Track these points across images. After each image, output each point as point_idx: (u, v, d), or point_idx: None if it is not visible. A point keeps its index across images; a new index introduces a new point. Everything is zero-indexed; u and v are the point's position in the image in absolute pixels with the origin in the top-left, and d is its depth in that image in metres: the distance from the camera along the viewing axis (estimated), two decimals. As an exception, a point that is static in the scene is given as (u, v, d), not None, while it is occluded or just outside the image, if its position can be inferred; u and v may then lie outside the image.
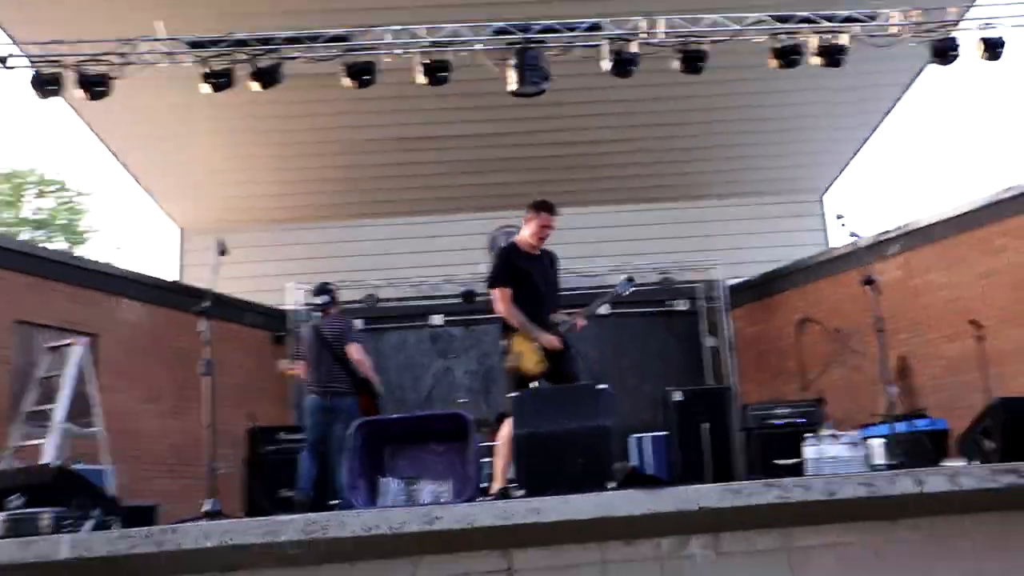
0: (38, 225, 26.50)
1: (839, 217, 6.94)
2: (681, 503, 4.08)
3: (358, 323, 13.71)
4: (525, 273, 6.44)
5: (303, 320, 13.98)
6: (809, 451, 5.87)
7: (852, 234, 6.93)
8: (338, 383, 8.57)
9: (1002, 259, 10.44)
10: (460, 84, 10.31)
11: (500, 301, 6.46)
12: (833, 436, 5.84)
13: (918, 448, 7.86)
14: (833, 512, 4.22)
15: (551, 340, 6.27)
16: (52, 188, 27.04)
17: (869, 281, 6.63)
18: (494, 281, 6.55)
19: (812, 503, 4.14)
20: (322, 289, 9.02)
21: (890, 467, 6.30)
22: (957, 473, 4.26)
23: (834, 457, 5.68)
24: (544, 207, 6.53)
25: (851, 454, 5.60)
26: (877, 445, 6.45)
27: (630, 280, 6.62)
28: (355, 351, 8.59)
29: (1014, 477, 4.26)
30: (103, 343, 10.96)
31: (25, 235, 24.69)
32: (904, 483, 4.20)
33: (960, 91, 42.48)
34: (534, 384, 6.17)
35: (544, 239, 6.53)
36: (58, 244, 25.19)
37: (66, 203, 27.29)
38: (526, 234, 6.54)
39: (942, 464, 7.01)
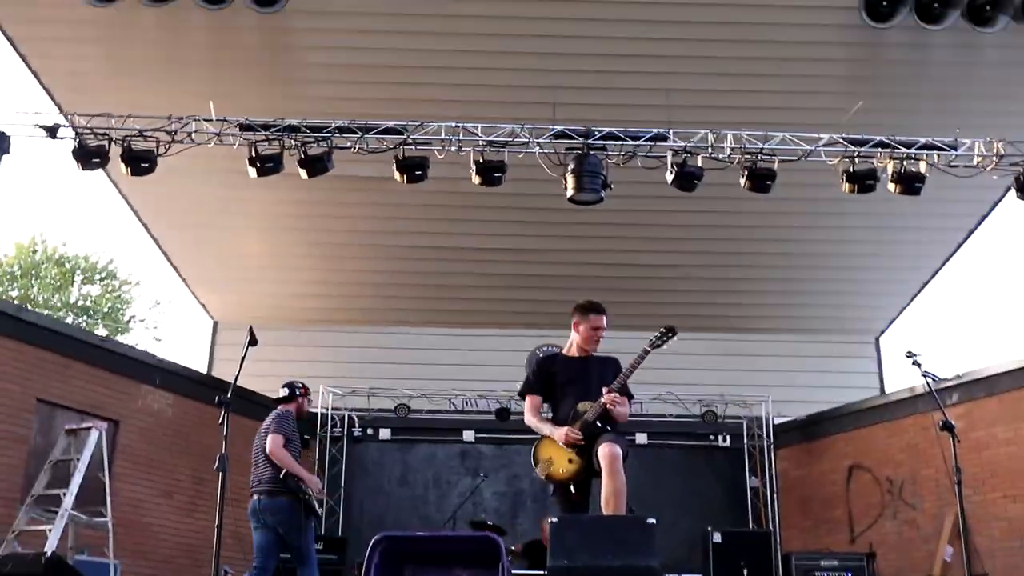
0: (83, 311, 26.64)
1: (910, 355, 6.46)
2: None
3: (385, 433, 13.46)
4: (561, 380, 5.98)
5: (335, 424, 13.81)
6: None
7: (926, 374, 6.44)
8: (265, 482, 7.54)
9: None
10: (509, 197, 10.23)
11: (526, 411, 6.12)
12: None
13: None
14: None
15: (560, 434, 5.73)
16: (100, 276, 27.25)
17: (948, 427, 6.12)
18: (521, 389, 6.19)
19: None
20: (287, 384, 8.12)
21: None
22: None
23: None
24: (592, 308, 6.12)
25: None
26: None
27: (667, 332, 5.86)
28: (271, 442, 7.48)
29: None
30: (123, 429, 10.79)
31: (69, 321, 24.74)
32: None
33: None
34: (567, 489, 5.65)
35: (597, 342, 6.09)
36: (100, 332, 25.21)
37: (112, 291, 27.48)
38: (576, 339, 6.15)
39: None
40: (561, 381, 5.97)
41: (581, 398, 5.80)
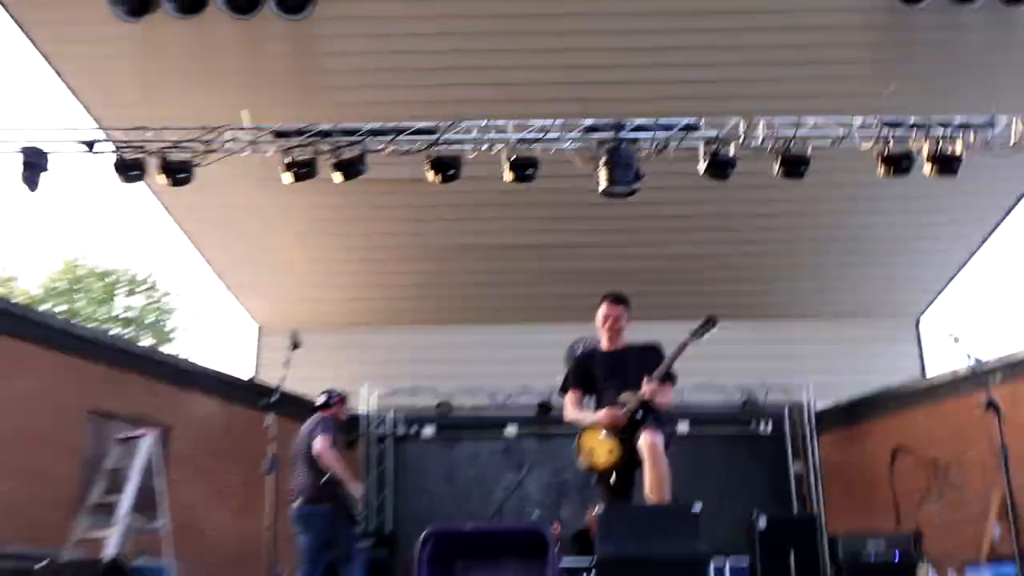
0: (127, 323, 26.95)
1: (953, 336, 6.46)
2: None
3: (428, 431, 13.56)
4: (597, 374, 6.10)
5: (376, 424, 13.91)
6: (926, 592, 5.29)
7: (969, 354, 6.43)
8: (308, 488, 7.85)
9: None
10: (542, 193, 10.25)
11: (566, 405, 6.23)
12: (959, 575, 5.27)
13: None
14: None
15: (601, 415, 5.82)
16: (143, 287, 27.57)
17: (992, 404, 6.10)
18: (561, 386, 6.34)
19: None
20: (325, 392, 8.52)
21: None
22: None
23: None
24: (602, 299, 6.20)
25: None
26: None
27: (709, 323, 5.87)
28: (320, 443, 7.76)
29: None
30: (173, 436, 10.89)
31: (114, 332, 25.04)
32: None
33: None
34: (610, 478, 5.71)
35: (614, 330, 6.12)
36: (144, 343, 25.51)
37: (155, 302, 27.78)
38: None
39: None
40: (600, 376, 6.03)
41: (621, 390, 5.85)
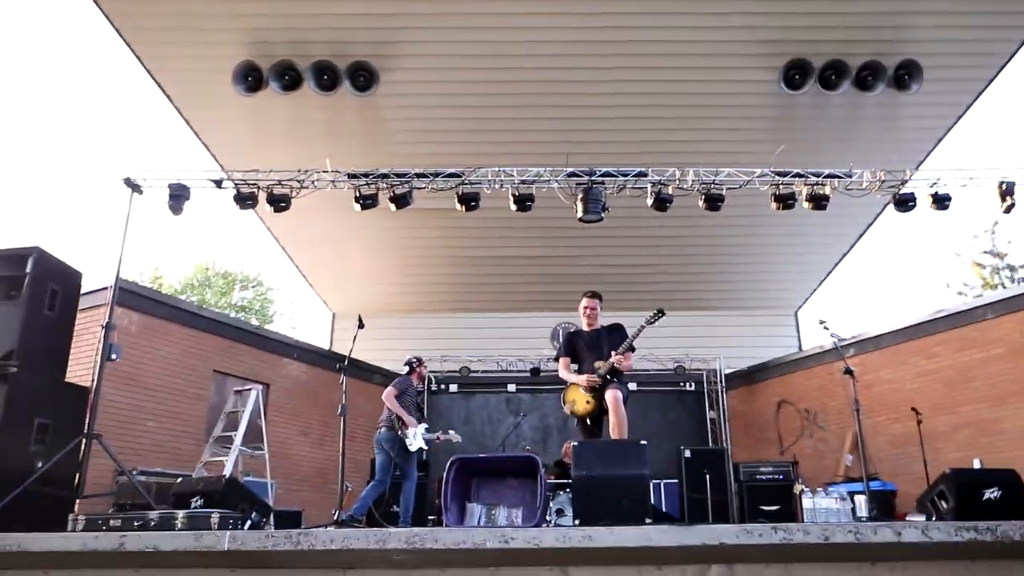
0: (240, 309, 26.87)
1: (822, 322, 6.43)
2: (705, 539, 3.60)
3: (453, 388, 13.53)
4: (581, 347, 6.10)
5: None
6: (807, 503, 5.27)
7: (833, 335, 6.41)
8: (383, 421, 7.82)
9: (936, 362, 9.91)
10: (535, 219, 10.19)
11: (560, 368, 6.20)
12: (825, 491, 5.24)
13: (885, 504, 7.22)
14: (826, 553, 3.68)
15: (580, 378, 5.83)
16: (252, 284, 27.49)
17: (849, 371, 6.08)
18: (556, 355, 6.38)
19: (810, 545, 3.62)
20: (407, 361, 8.46)
21: (869, 519, 5.65)
22: (928, 527, 3.70)
23: (826, 508, 5.07)
24: (584, 295, 6.26)
25: (840, 506, 4.99)
26: (862, 501, 5.80)
27: (659, 313, 5.92)
28: (386, 392, 7.78)
29: (973, 534, 3.68)
30: (273, 390, 10.87)
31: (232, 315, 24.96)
32: (885, 533, 3.65)
33: (909, 228, 40.87)
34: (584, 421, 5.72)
35: (590, 317, 6.15)
36: (254, 322, 25.43)
37: (261, 295, 27.70)
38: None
39: (908, 518, 6.36)
40: (581, 349, 6.03)
41: (596, 359, 5.87)
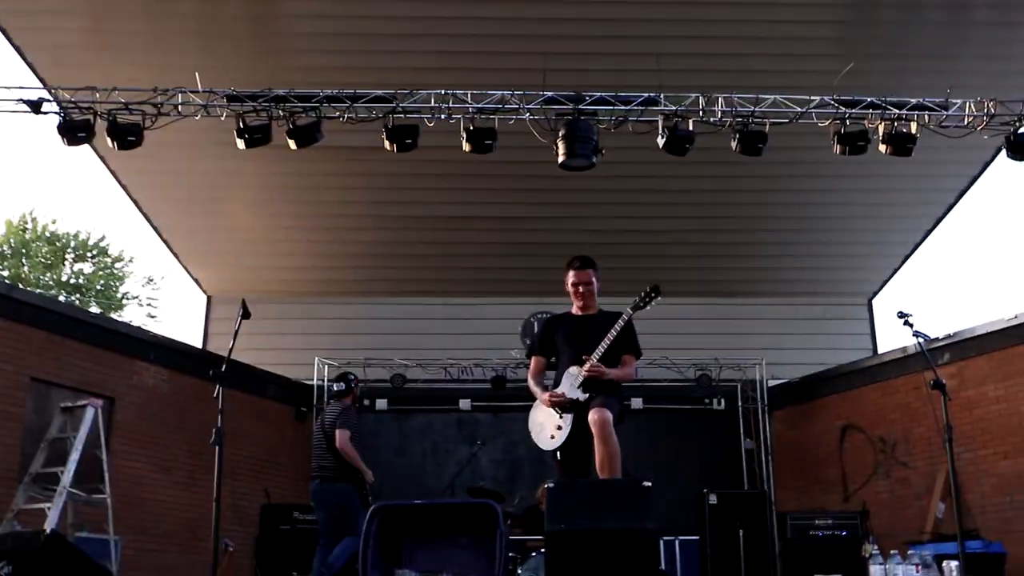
0: (75, 289, 26.51)
1: (902, 316, 6.46)
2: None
3: (381, 404, 13.54)
4: (560, 340, 5.93)
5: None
6: (875, 570, 5.29)
7: (917, 334, 6.45)
8: (328, 469, 8.40)
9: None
10: (501, 165, 10.17)
11: (528, 374, 6.10)
12: (900, 554, 5.28)
13: (987, 573, 7.31)
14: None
15: (543, 397, 5.72)
16: (91, 253, 27.12)
17: (939, 385, 6.13)
18: (528, 352, 6.29)
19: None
20: (340, 377, 8.93)
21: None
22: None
23: (903, 579, 5.12)
24: (569, 264, 6.00)
25: (922, 576, 5.04)
26: (953, 568, 5.87)
27: (652, 293, 5.72)
28: (340, 438, 8.30)
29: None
30: (119, 406, 10.75)
31: (61, 299, 24.63)
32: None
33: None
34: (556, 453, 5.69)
35: (586, 295, 5.91)
36: (93, 310, 25.15)
37: (105, 268, 27.35)
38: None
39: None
40: (560, 342, 5.91)
41: (575, 359, 5.76)
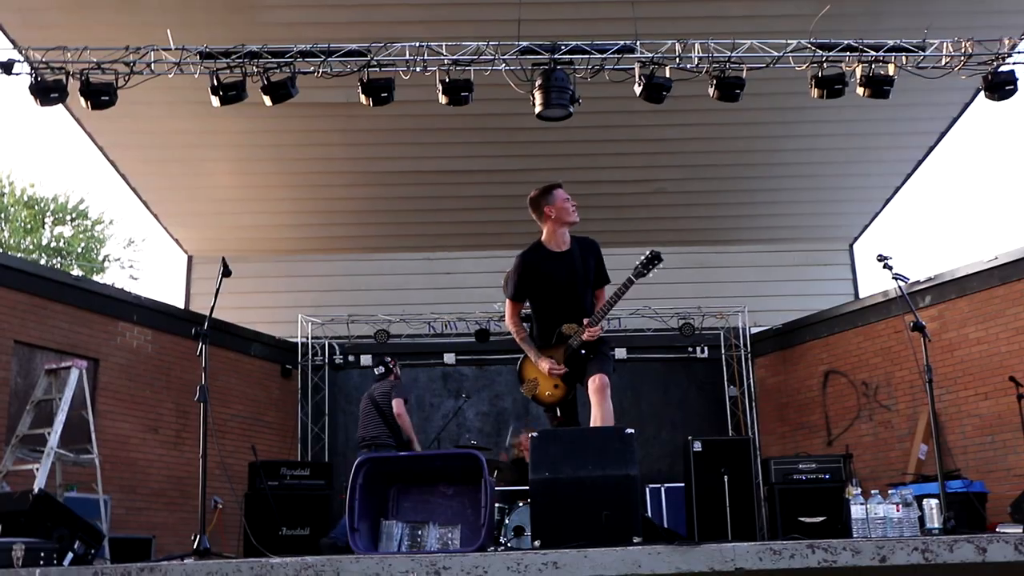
0: (56, 252, 26.39)
1: (881, 259, 6.46)
2: (715, 563, 3.66)
3: (366, 359, 13.58)
4: (547, 277, 5.75)
5: (315, 353, 13.81)
6: (856, 510, 5.35)
7: (896, 276, 6.46)
8: (380, 436, 9.13)
9: (1044, 314, 10.12)
10: (480, 118, 10.11)
11: (507, 315, 5.95)
12: (882, 495, 5.33)
13: (969, 511, 7.41)
14: (883, 579, 3.78)
15: (545, 366, 5.61)
16: (71, 216, 26.96)
17: (919, 327, 6.15)
18: (505, 290, 5.96)
19: (861, 569, 3.71)
20: (380, 362, 9.78)
21: (943, 532, 5.78)
22: (1023, 541, 3.81)
23: (883, 518, 5.16)
24: (552, 186, 5.86)
25: (901, 515, 5.08)
26: (933, 507, 5.93)
27: (653, 258, 5.57)
28: (397, 406, 9.13)
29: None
30: (104, 367, 10.75)
31: (43, 263, 24.49)
32: (964, 550, 3.76)
33: (1003, 131, 41.34)
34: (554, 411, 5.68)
35: (576, 210, 5.79)
36: (74, 272, 25.02)
37: (85, 231, 27.21)
38: (550, 228, 5.80)
39: (999, 530, 6.53)
40: (545, 282, 5.74)
41: (562, 311, 5.72)
